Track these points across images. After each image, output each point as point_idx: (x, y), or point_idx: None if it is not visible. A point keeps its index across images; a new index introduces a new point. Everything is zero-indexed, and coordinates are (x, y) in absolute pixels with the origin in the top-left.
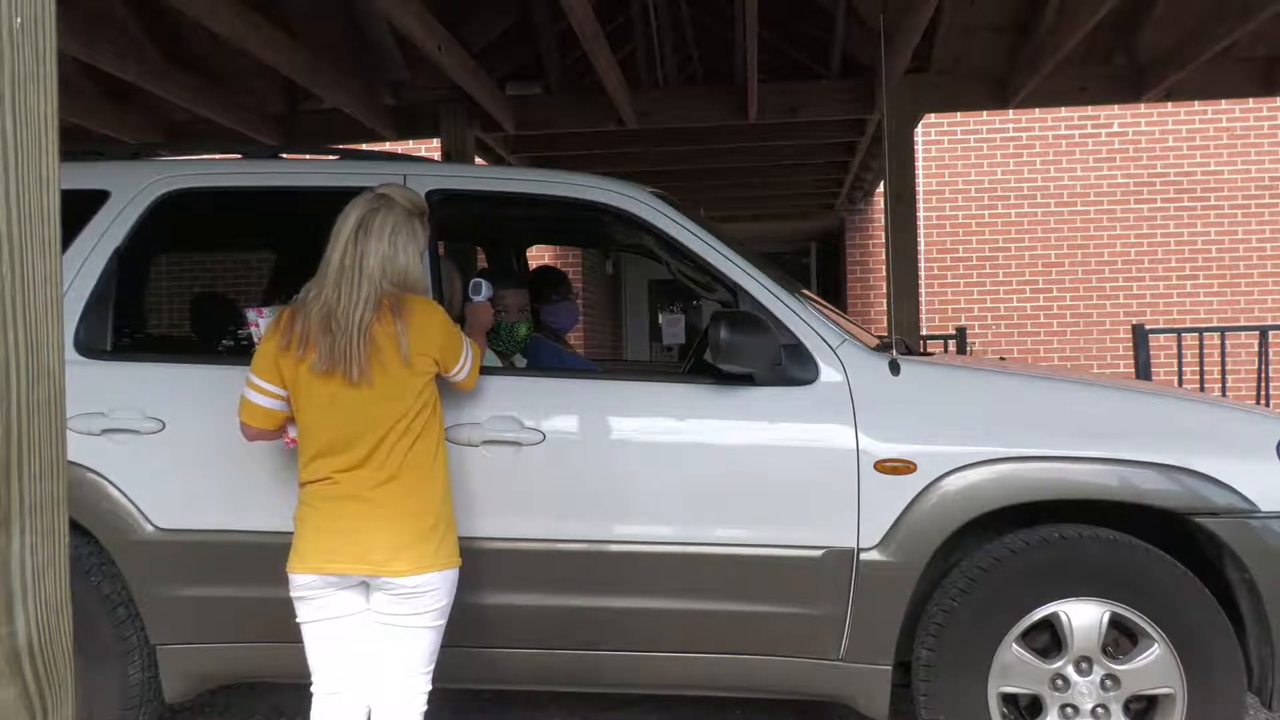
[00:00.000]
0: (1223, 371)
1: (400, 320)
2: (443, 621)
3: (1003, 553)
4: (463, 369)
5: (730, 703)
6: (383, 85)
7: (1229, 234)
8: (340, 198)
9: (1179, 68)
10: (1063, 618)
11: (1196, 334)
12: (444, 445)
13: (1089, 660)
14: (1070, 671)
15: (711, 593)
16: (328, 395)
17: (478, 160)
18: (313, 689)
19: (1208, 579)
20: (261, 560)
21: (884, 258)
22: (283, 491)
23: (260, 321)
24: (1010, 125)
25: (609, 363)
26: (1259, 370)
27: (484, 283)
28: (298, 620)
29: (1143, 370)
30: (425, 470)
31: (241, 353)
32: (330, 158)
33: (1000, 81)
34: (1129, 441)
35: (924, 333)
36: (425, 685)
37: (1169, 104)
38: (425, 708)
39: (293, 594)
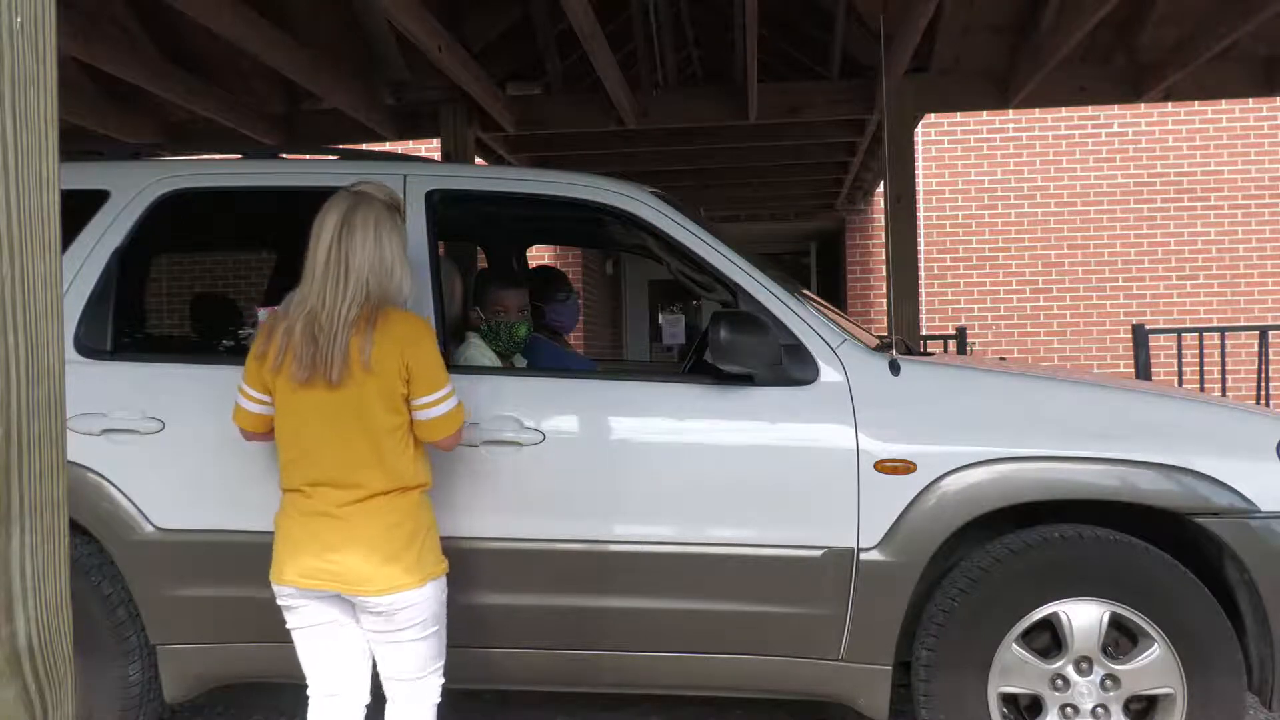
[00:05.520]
0: (1223, 371)
1: (371, 331)
2: (435, 628)
3: (1003, 553)
4: (435, 406)
5: (730, 703)
6: (383, 85)
7: (1229, 234)
8: None
9: (1179, 68)
10: (1063, 618)
11: (1196, 334)
12: (422, 454)
13: (1089, 660)
14: (1070, 671)
15: (711, 593)
16: (304, 405)
17: (478, 160)
18: (308, 691)
19: (1208, 579)
20: (261, 560)
21: (884, 258)
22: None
23: None
24: (1010, 125)
25: (609, 363)
26: (1259, 370)
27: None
28: (287, 626)
29: (1143, 370)
30: (397, 487)
31: (241, 353)
32: (330, 158)
33: (1000, 81)
34: (1129, 442)
35: (924, 333)
36: (436, 681)
37: (1169, 104)
38: (439, 699)
39: (279, 601)
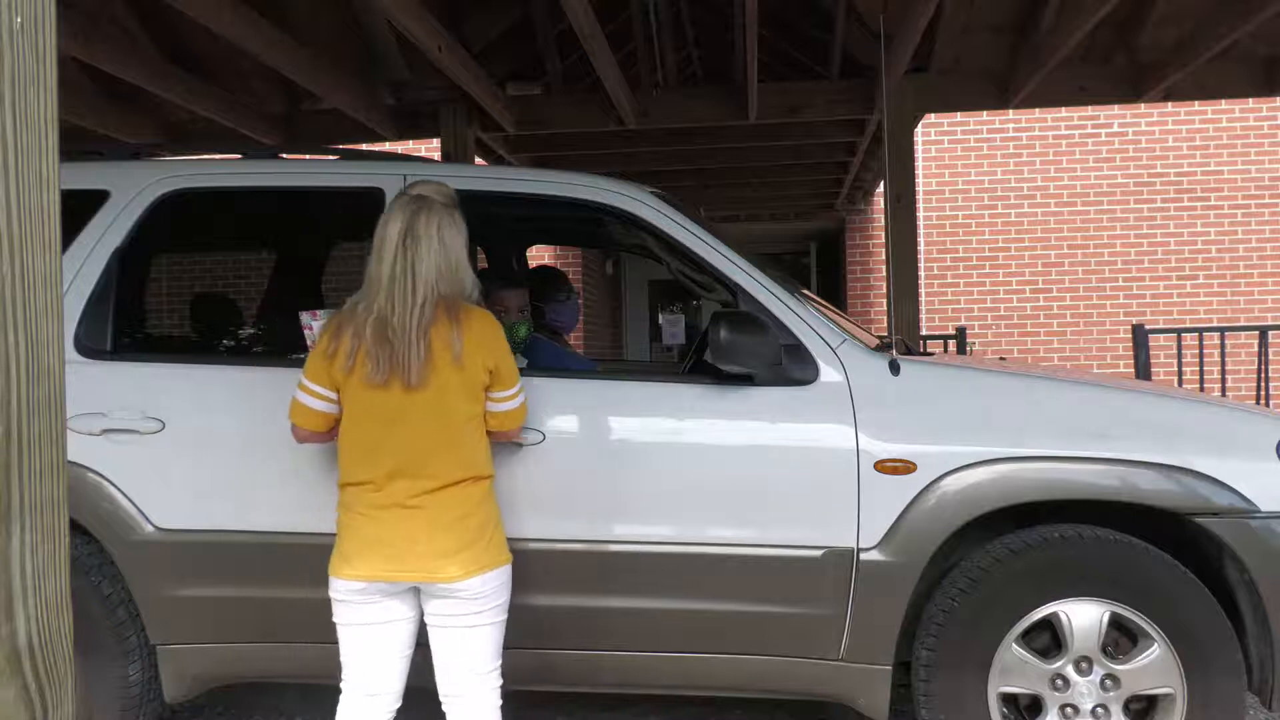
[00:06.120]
0: (1223, 371)
1: (457, 326)
2: (504, 617)
3: (1003, 553)
4: (512, 399)
5: (730, 703)
6: (383, 85)
7: (1229, 234)
8: (340, 198)
9: (1179, 67)
10: (1063, 618)
11: (1196, 334)
12: (487, 444)
13: (1089, 660)
14: (1070, 671)
15: (711, 593)
16: (381, 405)
17: (478, 160)
18: (342, 685)
19: (1208, 579)
20: (262, 560)
21: (884, 258)
22: (283, 491)
23: (314, 324)
24: (1010, 125)
25: (609, 363)
26: (1259, 370)
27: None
28: (334, 620)
29: (1143, 370)
30: (469, 477)
31: (242, 353)
32: (330, 158)
33: (1000, 81)
34: (1129, 441)
35: (924, 333)
36: (496, 680)
37: (1169, 104)
38: (500, 701)
39: (333, 595)
